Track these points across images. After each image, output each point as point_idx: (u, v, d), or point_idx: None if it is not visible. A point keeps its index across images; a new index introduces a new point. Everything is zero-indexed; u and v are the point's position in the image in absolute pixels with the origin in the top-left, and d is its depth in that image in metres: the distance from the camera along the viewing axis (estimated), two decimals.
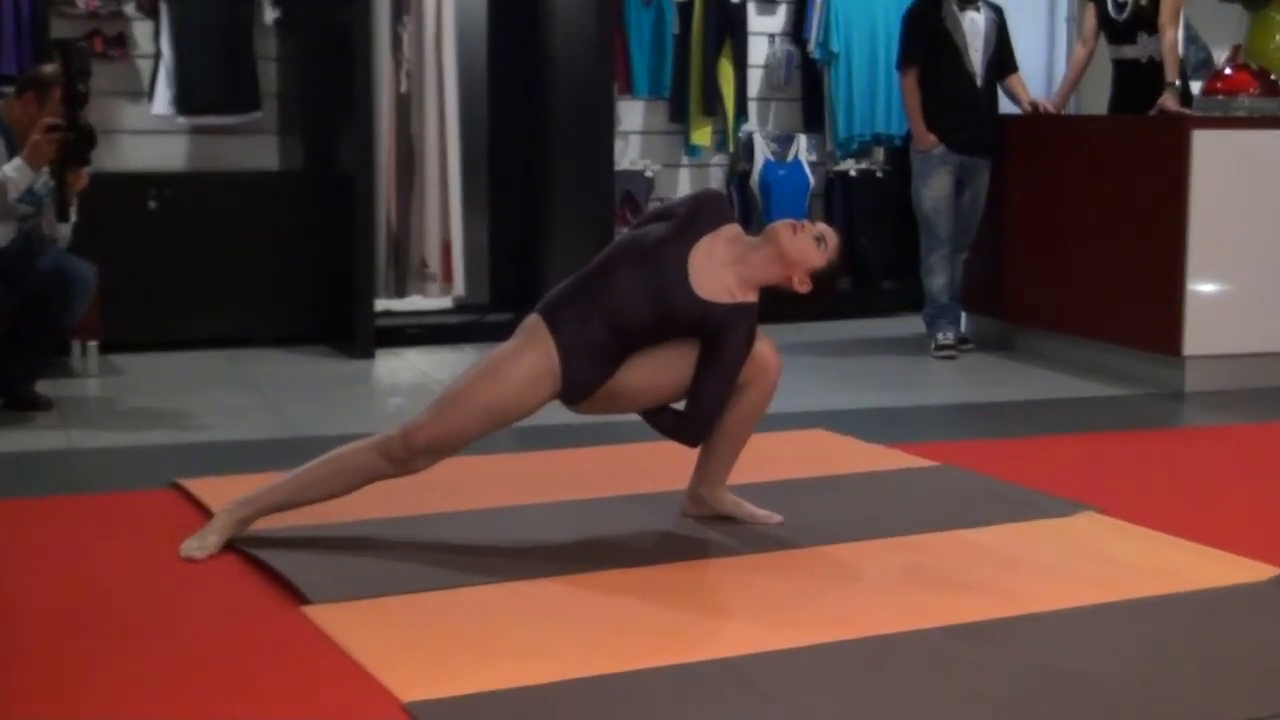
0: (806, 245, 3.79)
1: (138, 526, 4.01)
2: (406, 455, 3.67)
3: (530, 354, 3.68)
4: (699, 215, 3.83)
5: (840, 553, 3.85)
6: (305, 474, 3.73)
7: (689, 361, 3.74)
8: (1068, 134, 6.95)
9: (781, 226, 3.80)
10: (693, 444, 3.89)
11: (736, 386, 3.79)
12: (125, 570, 3.64)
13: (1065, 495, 4.37)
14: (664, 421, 3.84)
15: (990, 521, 4.12)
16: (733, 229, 3.85)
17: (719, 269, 3.75)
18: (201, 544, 3.68)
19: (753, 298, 3.78)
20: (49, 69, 5.48)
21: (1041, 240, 6.93)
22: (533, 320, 3.76)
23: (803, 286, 3.82)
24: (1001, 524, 4.10)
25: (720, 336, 3.70)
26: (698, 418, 3.78)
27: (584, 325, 3.68)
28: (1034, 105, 7.10)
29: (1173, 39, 6.62)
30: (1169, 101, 6.52)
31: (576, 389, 3.73)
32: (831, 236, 3.85)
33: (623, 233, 3.93)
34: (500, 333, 7.04)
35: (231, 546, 3.72)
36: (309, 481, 3.72)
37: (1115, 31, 6.90)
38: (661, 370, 3.75)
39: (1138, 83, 6.82)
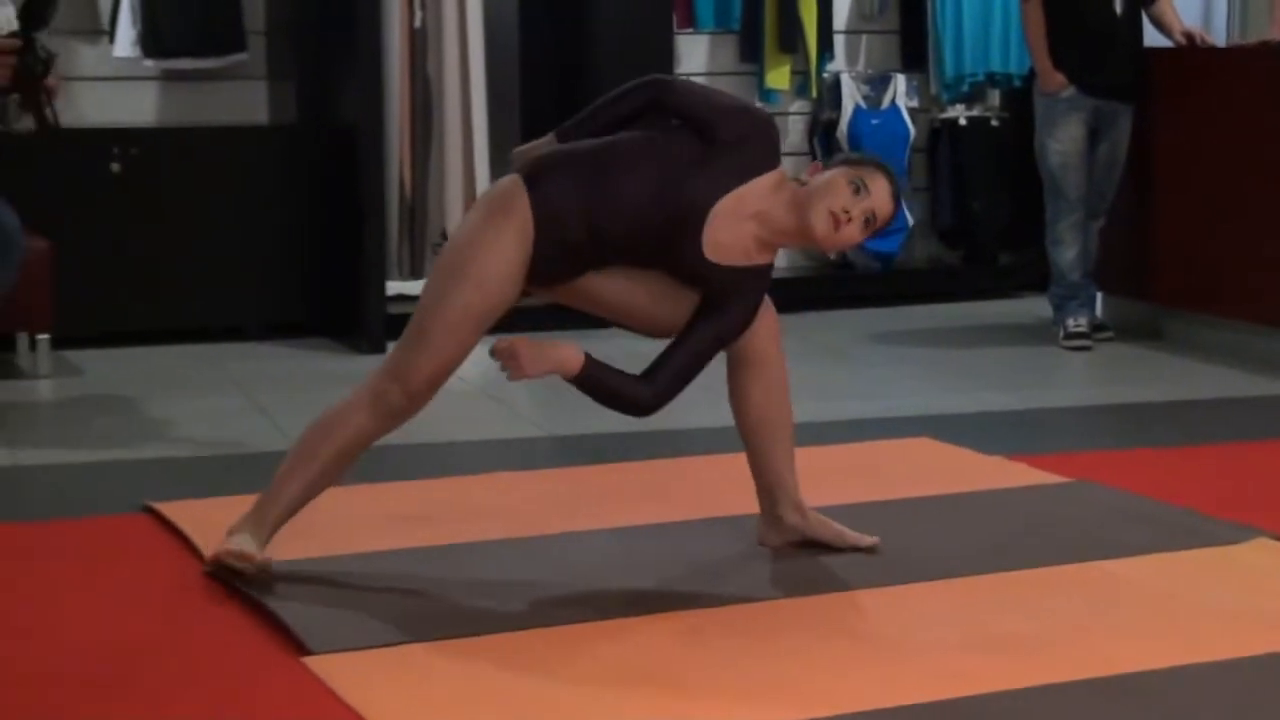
0: (848, 237, 3.75)
1: (103, 560, 4.04)
2: (409, 404, 3.73)
3: (508, 241, 3.67)
4: (747, 150, 3.77)
5: (951, 590, 3.84)
6: (305, 473, 3.76)
7: (673, 300, 3.76)
8: (1230, 71, 6.90)
9: (821, 218, 3.69)
10: (646, 408, 3.77)
11: (743, 368, 3.90)
12: (89, 614, 3.66)
13: (1231, 518, 4.34)
14: (610, 382, 3.72)
15: (1137, 550, 4.09)
16: (776, 176, 3.80)
17: (742, 222, 3.73)
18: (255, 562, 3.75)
19: (769, 258, 3.83)
20: None
21: (1197, 204, 6.88)
22: (510, 187, 3.73)
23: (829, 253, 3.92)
24: (1151, 553, 4.08)
25: (725, 300, 3.75)
26: (670, 378, 3.72)
27: (567, 212, 3.68)
28: (1188, 36, 7.04)
29: None
30: None
31: (541, 278, 3.76)
32: (883, 207, 3.75)
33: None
34: (536, 320, 7.06)
35: (216, 585, 3.75)
36: (312, 479, 3.76)
37: None
38: (640, 293, 3.78)
39: None
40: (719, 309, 3.74)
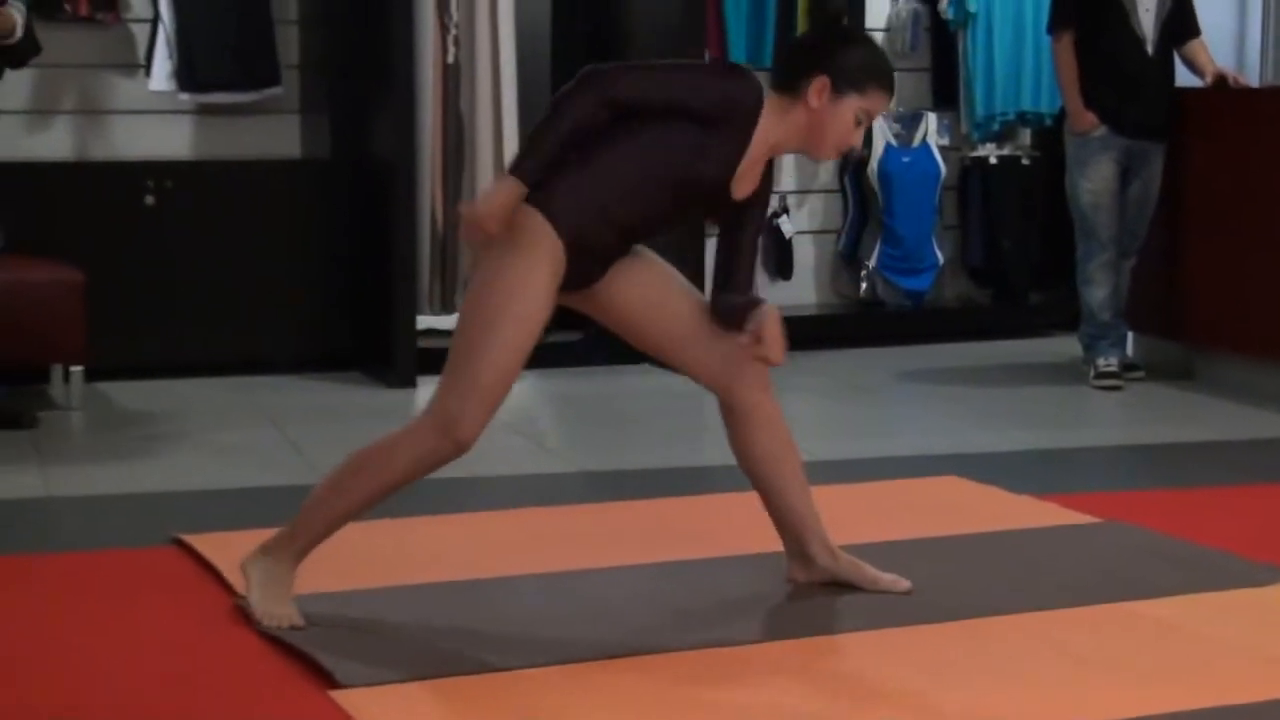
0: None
1: (132, 592, 4.04)
2: (459, 451, 3.69)
3: (542, 272, 3.68)
4: (735, 115, 3.78)
5: (979, 629, 3.82)
6: (340, 506, 3.73)
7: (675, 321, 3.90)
8: (1262, 111, 6.88)
9: (830, 153, 3.94)
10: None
11: (738, 423, 3.95)
12: (117, 645, 3.67)
13: (1263, 559, 4.33)
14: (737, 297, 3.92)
15: (1167, 591, 4.08)
16: (772, 107, 3.84)
17: (755, 164, 3.87)
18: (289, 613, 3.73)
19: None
20: None
21: (1228, 243, 6.86)
22: (528, 219, 3.67)
23: None
24: (1182, 594, 4.06)
25: (754, 211, 3.96)
26: (751, 272, 3.97)
27: (594, 223, 3.72)
28: (1220, 77, 7.03)
29: None
30: None
31: (567, 287, 3.79)
32: (878, 114, 4.04)
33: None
34: (567, 356, 7.05)
35: (245, 618, 3.75)
36: (345, 510, 3.74)
37: None
38: (643, 310, 3.90)
39: None
40: (755, 214, 3.95)
